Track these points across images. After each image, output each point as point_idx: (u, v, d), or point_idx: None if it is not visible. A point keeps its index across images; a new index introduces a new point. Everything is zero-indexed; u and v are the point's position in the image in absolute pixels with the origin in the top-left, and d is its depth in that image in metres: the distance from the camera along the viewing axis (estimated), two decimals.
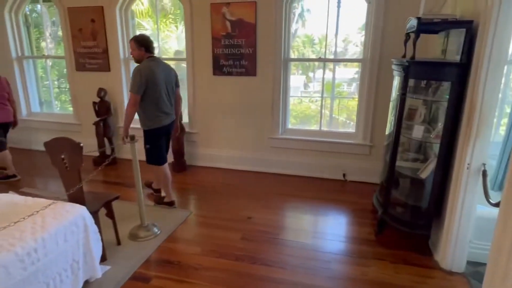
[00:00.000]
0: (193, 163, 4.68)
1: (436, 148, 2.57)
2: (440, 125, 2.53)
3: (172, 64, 4.02)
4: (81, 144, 2.29)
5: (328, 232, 3.05)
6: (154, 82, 3.06)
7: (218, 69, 4.31)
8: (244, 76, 4.24)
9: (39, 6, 5.34)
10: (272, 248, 2.77)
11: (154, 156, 3.26)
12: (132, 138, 2.76)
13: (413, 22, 2.55)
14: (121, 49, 4.69)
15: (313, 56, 4.68)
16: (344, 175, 4.15)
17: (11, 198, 2.41)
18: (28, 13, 5.32)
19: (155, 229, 2.96)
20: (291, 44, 4.26)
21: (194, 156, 4.67)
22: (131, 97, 3.03)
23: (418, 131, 2.58)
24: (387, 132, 3.23)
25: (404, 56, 2.86)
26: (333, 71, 4.28)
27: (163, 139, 3.29)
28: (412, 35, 2.53)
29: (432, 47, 3.23)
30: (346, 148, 4.11)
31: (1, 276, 1.68)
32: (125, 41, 4.70)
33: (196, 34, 4.31)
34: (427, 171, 2.60)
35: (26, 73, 5.35)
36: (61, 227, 2.06)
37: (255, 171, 4.46)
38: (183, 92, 3.97)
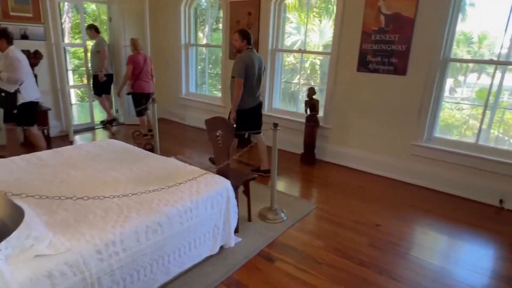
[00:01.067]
0: (323, 158, 4.67)
1: None
2: None
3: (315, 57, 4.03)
4: (234, 125, 2.55)
5: (471, 262, 2.62)
6: (251, 70, 3.65)
7: (363, 65, 4.14)
8: (391, 75, 3.96)
9: (203, 0, 6.11)
10: (401, 262, 2.56)
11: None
12: (276, 125, 2.91)
13: None
14: (270, 41, 4.97)
15: (468, 57, 4.02)
16: (501, 201, 3.48)
17: (174, 162, 2.87)
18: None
19: (282, 215, 3.09)
20: (453, 42, 3.73)
21: (324, 151, 4.66)
22: (237, 81, 3.61)
23: None
24: None
25: None
26: (501, 77, 3.55)
27: (250, 117, 3.86)
28: None
29: None
30: (510, 170, 3.42)
31: (165, 226, 2.03)
32: (275, 34, 4.97)
33: (346, 28, 4.22)
34: None
35: (189, 58, 6.25)
36: (210, 195, 2.35)
37: (389, 178, 4.16)
38: (323, 86, 3.97)
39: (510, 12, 3.34)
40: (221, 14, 6.12)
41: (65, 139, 5.15)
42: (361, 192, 3.77)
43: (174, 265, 2.14)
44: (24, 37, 4.71)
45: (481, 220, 3.25)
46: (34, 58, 4.64)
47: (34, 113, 3.98)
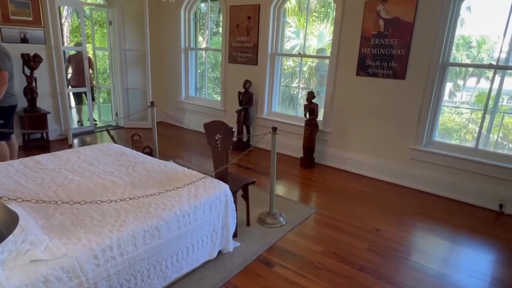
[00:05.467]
0: (322, 162, 4.66)
1: None
2: None
3: (314, 61, 4.04)
4: (233, 129, 2.54)
5: (471, 267, 2.61)
6: (11, 63, 3.45)
7: (362, 69, 4.15)
8: (390, 79, 3.96)
9: (202, 4, 6.13)
10: (401, 267, 2.54)
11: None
12: (274, 129, 2.90)
13: None
14: (270, 45, 4.98)
15: (467, 61, 4.02)
16: (501, 206, 3.47)
17: (172, 166, 2.86)
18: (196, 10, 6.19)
19: (281, 219, 3.07)
20: (453, 47, 3.74)
21: (323, 155, 4.65)
22: (3, 75, 3.28)
23: None
24: None
25: None
26: (501, 81, 3.55)
27: (13, 115, 3.71)
28: None
29: None
30: (509, 174, 3.41)
31: (163, 229, 2.02)
32: (275, 38, 4.98)
33: (345, 32, 4.23)
34: None
35: (189, 62, 6.25)
36: (209, 199, 2.33)
37: (389, 182, 4.15)
38: (320, 88, 3.95)
39: (509, 16, 3.34)
40: (221, 18, 6.14)
41: (64, 143, 5.13)
42: (361, 196, 3.76)
43: (171, 270, 2.12)
44: (24, 40, 4.71)
45: (480, 224, 3.24)
46: (33, 61, 4.64)
47: None
